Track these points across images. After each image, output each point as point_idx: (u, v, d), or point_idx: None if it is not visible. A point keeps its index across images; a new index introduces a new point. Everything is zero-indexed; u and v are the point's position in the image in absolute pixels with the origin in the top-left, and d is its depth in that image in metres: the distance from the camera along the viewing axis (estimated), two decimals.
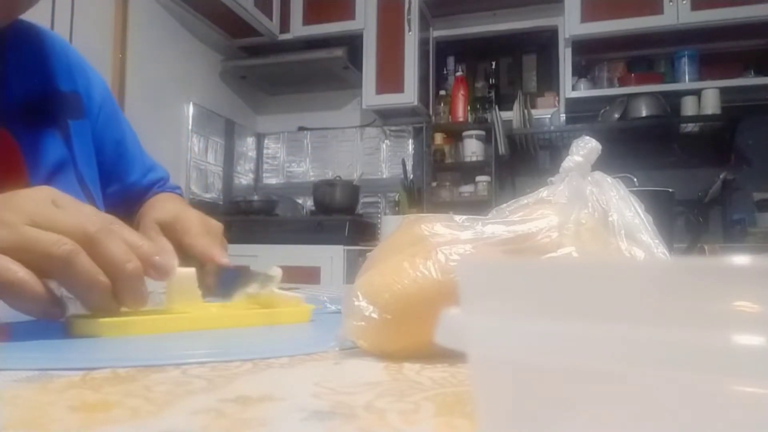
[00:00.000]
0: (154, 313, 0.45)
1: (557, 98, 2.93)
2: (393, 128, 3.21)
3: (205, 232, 0.62)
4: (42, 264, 0.38)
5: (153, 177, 0.82)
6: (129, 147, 0.80)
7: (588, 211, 0.38)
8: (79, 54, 0.76)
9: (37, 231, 0.38)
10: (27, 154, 0.64)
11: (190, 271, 0.48)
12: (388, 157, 3.20)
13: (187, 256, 0.60)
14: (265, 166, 3.45)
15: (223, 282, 0.59)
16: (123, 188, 0.78)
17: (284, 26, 3.00)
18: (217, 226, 0.66)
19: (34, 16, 0.65)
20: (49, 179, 0.63)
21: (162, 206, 0.69)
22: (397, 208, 2.99)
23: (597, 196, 0.40)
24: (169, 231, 0.62)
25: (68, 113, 0.69)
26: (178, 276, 0.47)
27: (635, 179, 1.51)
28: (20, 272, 0.37)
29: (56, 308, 0.39)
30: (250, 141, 3.38)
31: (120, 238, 0.41)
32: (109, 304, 0.40)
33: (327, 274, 2.45)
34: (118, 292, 0.40)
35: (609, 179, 0.42)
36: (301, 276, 2.39)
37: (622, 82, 2.76)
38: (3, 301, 0.38)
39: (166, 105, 2.63)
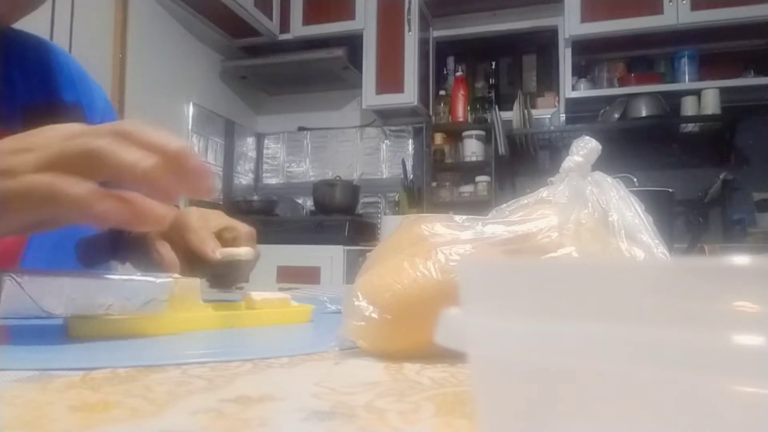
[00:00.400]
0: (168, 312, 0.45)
1: (557, 98, 2.93)
2: (393, 128, 3.21)
3: (202, 226, 0.63)
4: (82, 164, 0.36)
5: None
6: None
7: (588, 211, 0.38)
8: (80, 66, 0.77)
9: (68, 140, 0.37)
10: None
11: (193, 280, 0.48)
12: (388, 157, 3.20)
13: (188, 250, 0.62)
14: (265, 166, 3.45)
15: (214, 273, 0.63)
16: None
17: (284, 26, 3.00)
18: (215, 214, 0.68)
19: (34, 17, 0.65)
20: None
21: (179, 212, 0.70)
22: (397, 208, 2.99)
23: (597, 196, 0.40)
24: (172, 229, 0.63)
25: (70, 122, 0.69)
26: (181, 285, 0.47)
27: (635, 179, 1.51)
28: (75, 185, 0.35)
29: (129, 209, 0.37)
30: (250, 141, 3.38)
31: (152, 132, 0.39)
32: (156, 173, 0.37)
33: (327, 274, 2.45)
34: (167, 164, 0.38)
35: (609, 179, 0.42)
36: (301, 276, 2.39)
37: (622, 82, 2.76)
38: (76, 220, 0.37)
39: (166, 105, 2.63)
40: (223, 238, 0.65)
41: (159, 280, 0.44)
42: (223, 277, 0.66)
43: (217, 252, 0.60)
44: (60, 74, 0.70)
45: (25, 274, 0.39)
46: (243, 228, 0.67)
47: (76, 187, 0.36)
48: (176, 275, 0.48)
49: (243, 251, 0.61)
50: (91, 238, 0.69)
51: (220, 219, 0.68)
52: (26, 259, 0.60)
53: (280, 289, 0.54)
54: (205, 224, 0.64)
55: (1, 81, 0.64)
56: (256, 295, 0.51)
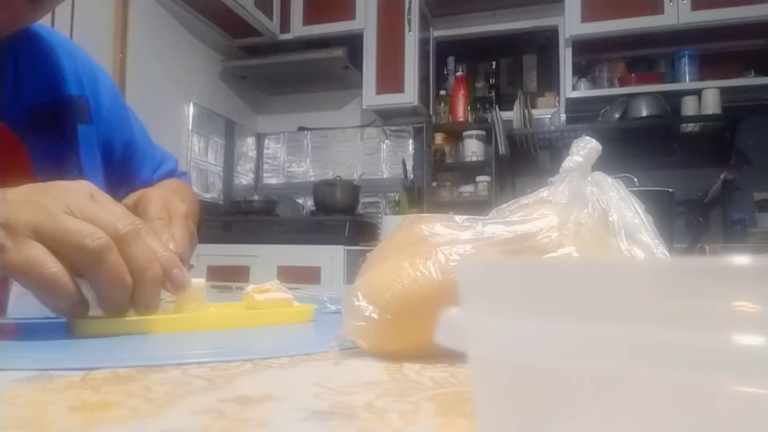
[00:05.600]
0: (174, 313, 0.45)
1: (557, 98, 2.93)
2: (393, 128, 3.21)
3: (160, 216, 0.56)
4: (73, 255, 0.38)
5: (162, 172, 0.81)
6: (138, 147, 0.80)
7: (588, 211, 0.38)
8: (86, 54, 0.76)
9: (73, 220, 0.39)
10: (35, 160, 0.64)
11: (200, 281, 0.48)
12: (389, 157, 3.20)
13: None
14: (265, 166, 3.45)
15: None
16: (133, 189, 0.77)
17: (284, 26, 3.00)
18: (178, 210, 0.59)
19: None
20: None
21: (144, 191, 0.65)
22: (397, 208, 2.99)
23: (597, 197, 0.40)
24: (132, 212, 0.60)
25: (76, 117, 0.69)
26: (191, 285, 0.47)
27: (635, 179, 1.51)
28: (54, 267, 0.37)
29: (81, 307, 0.39)
30: (250, 141, 3.38)
31: (146, 243, 0.41)
32: (126, 306, 0.41)
33: (327, 274, 2.45)
34: (135, 295, 0.41)
35: (609, 179, 0.42)
36: (301, 276, 2.39)
37: (623, 82, 2.75)
38: (32, 292, 0.38)
39: (166, 105, 2.63)
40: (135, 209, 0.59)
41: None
42: None
43: None
44: (65, 68, 0.69)
45: None
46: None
47: (16, 252, 0.37)
48: None
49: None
50: None
51: (175, 204, 0.60)
52: None
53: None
54: (162, 211, 0.57)
55: (10, 82, 0.64)
56: (259, 296, 0.50)
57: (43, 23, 0.70)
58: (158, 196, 0.59)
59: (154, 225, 0.54)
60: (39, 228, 0.38)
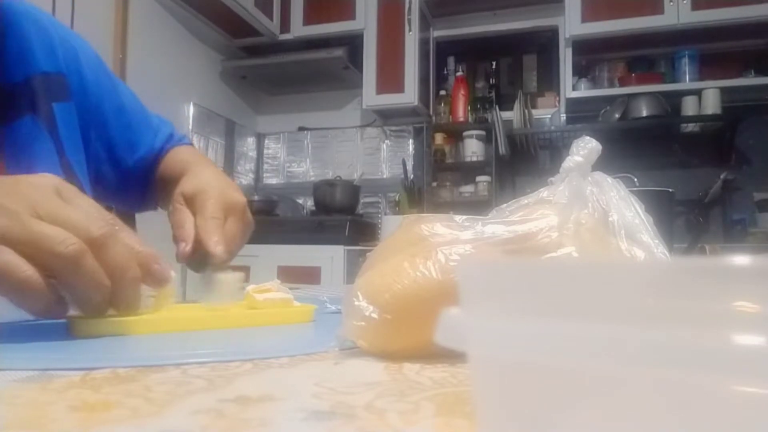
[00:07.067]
0: (154, 314, 0.45)
1: (557, 98, 2.93)
2: (393, 128, 3.21)
3: (216, 215, 0.58)
4: (46, 261, 0.37)
5: (162, 136, 0.80)
6: (132, 115, 0.78)
7: (588, 211, 0.38)
8: (63, 27, 0.72)
9: (43, 225, 0.37)
10: (7, 144, 0.61)
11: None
12: (389, 157, 3.20)
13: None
14: (266, 166, 3.45)
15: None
16: (139, 158, 0.77)
17: (284, 26, 3.00)
18: (238, 202, 0.62)
19: None
20: (31, 170, 0.61)
21: (191, 176, 0.65)
22: (397, 208, 2.99)
23: (597, 197, 0.40)
24: (190, 204, 0.60)
25: (52, 96, 0.65)
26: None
27: (635, 179, 1.51)
28: (27, 270, 0.36)
29: (59, 307, 0.39)
30: (251, 141, 3.38)
31: (122, 243, 0.40)
32: (105, 307, 0.41)
33: (327, 274, 2.45)
34: (115, 296, 0.40)
35: (609, 179, 0.42)
36: (301, 276, 2.39)
37: (623, 82, 2.75)
38: (6, 297, 0.37)
39: (166, 105, 2.63)
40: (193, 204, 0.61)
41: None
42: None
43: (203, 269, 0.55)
44: (38, 44, 0.66)
45: None
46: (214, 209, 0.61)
47: (28, 272, 0.36)
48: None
49: (229, 277, 0.55)
50: None
51: (233, 198, 0.62)
52: None
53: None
54: (219, 211, 0.59)
55: None
56: (259, 296, 0.50)
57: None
58: (217, 190, 0.60)
59: (208, 225, 0.56)
60: (6, 234, 0.37)
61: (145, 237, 0.44)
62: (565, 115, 2.88)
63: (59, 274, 0.38)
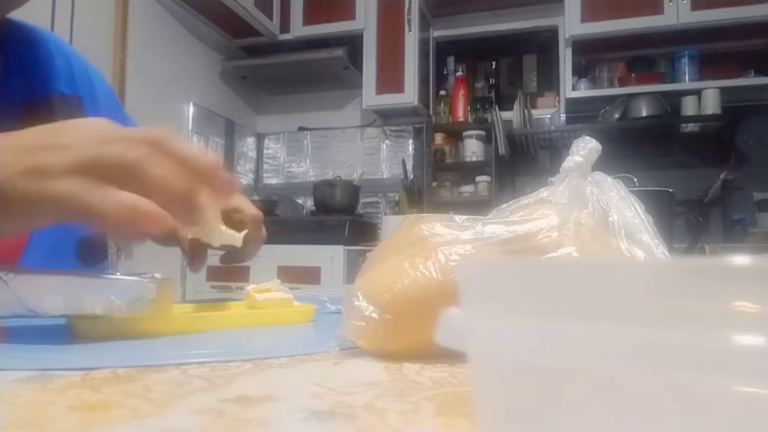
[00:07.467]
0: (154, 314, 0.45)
1: (557, 98, 2.93)
2: (393, 128, 3.21)
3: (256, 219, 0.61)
4: (114, 174, 0.36)
5: None
6: None
7: (588, 211, 0.38)
8: (80, 56, 0.76)
9: (103, 145, 0.37)
10: None
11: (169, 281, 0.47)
12: (389, 157, 3.20)
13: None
14: (265, 166, 3.45)
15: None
16: None
17: (284, 26, 3.00)
18: (255, 214, 0.64)
19: (34, 16, 0.65)
20: None
21: None
22: (397, 208, 2.99)
23: (597, 196, 0.40)
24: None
25: (68, 116, 0.68)
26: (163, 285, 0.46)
27: (635, 179, 1.51)
28: (141, 200, 0.36)
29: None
30: (250, 141, 3.38)
31: (183, 142, 0.39)
32: (194, 200, 0.39)
33: (327, 274, 2.45)
34: (199, 183, 0.39)
35: (609, 179, 0.42)
36: (301, 276, 2.39)
37: (622, 82, 2.75)
38: (130, 234, 0.37)
39: (166, 105, 2.63)
40: (230, 219, 0.62)
41: (146, 280, 0.44)
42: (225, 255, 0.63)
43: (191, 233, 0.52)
44: (57, 66, 0.69)
45: (11, 272, 0.38)
46: (250, 210, 0.63)
47: (108, 203, 0.35)
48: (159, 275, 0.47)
49: (237, 237, 0.51)
50: (92, 237, 0.68)
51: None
52: (26, 258, 0.60)
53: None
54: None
55: (1, 74, 0.63)
56: (259, 296, 0.50)
57: (36, 21, 0.70)
58: (241, 198, 0.62)
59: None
60: (70, 165, 0.36)
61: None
62: (564, 115, 2.88)
63: (131, 181, 0.37)
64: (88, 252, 0.68)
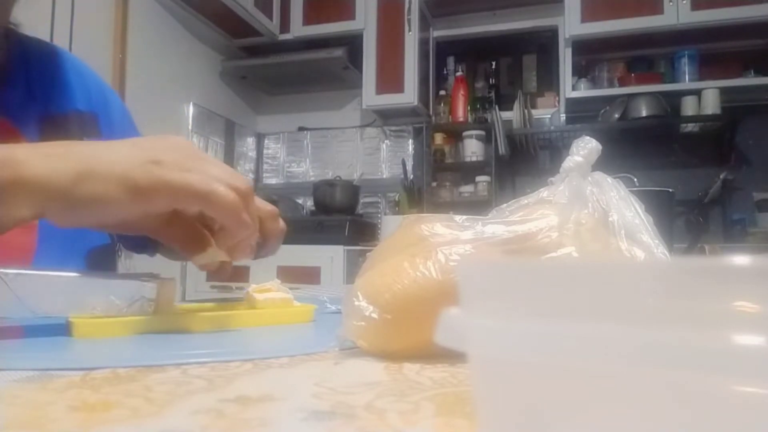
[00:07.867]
0: (155, 314, 0.45)
1: (557, 98, 2.93)
2: (393, 128, 3.21)
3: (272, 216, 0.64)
4: (210, 209, 0.41)
5: None
6: None
7: (588, 211, 0.38)
8: (96, 75, 0.78)
9: (217, 183, 0.40)
10: None
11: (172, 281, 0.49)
12: (388, 157, 3.20)
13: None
14: (265, 166, 3.45)
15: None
16: None
17: (284, 26, 2.99)
18: (273, 210, 0.67)
19: (34, 17, 0.65)
20: None
21: None
22: (397, 208, 2.99)
23: (597, 197, 0.40)
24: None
25: (84, 132, 0.71)
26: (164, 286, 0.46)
27: (635, 179, 1.51)
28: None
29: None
30: (250, 141, 3.38)
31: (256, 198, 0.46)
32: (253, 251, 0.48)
33: (327, 274, 2.45)
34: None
35: (609, 179, 0.42)
36: (301, 276, 2.39)
37: (622, 82, 2.75)
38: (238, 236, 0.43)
39: (166, 105, 2.63)
40: None
41: (145, 281, 0.44)
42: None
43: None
44: (75, 85, 0.71)
45: (11, 272, 0.38)
46: (265, 207, 0.62)
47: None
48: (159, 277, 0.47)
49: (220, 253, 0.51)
50: (103, 247, 0.69)
51: None
52: (38, 257, 0.60)
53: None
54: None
55: (23, 87, 0.65)
56: (259, 296, 0.50)
57: (35, 21, 0.70)
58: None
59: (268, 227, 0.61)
60: (179, 186, 0.40)
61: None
62: (564, 115, 2.88)
63: (226, 219, 0.42)
64: (99, 263, 0.68)
